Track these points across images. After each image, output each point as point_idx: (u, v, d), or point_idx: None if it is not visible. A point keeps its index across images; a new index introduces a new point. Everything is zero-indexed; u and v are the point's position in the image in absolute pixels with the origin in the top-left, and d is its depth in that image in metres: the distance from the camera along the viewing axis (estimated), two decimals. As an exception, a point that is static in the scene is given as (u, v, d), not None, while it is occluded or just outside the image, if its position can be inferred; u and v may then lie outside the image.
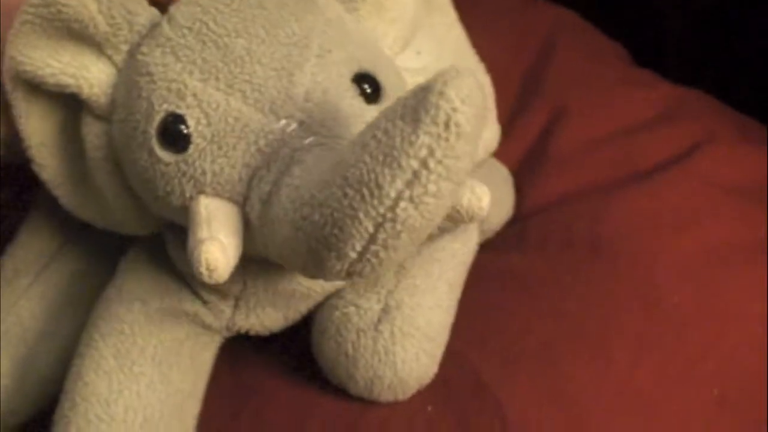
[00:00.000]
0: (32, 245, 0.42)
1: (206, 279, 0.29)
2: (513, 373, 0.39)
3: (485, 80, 0.43)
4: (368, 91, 0.33)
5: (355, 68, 0.33)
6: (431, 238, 0.40)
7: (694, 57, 0.64)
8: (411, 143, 0.25)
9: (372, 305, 0.37)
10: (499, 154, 0.49)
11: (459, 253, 0.41)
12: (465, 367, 0.39)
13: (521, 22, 0.61)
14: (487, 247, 0.45)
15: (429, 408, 0.38)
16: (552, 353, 0.39)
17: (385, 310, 0.37)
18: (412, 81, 0.37)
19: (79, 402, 0.35)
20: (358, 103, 0.32)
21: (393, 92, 0.34)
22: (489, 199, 0.30)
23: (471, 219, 0.31)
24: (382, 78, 0.33)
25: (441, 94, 0.24)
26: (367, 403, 0.38)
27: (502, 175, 0.49)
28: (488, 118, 0.43)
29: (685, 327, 0.41)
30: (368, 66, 0.33)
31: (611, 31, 0.63)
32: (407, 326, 0.37)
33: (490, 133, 0.43)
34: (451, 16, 0.42)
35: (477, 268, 0.42)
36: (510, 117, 0.55)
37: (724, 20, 0.61)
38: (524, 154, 0.53)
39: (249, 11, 0.33)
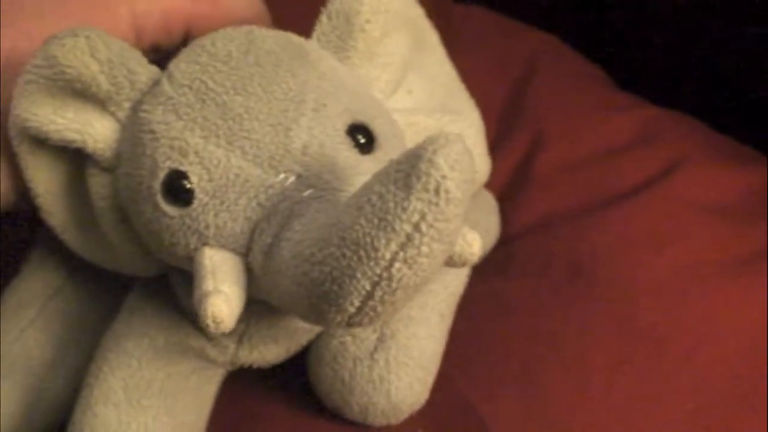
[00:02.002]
0: (37, 277, 0.43)
1: (213, 331, 0.30)
2: (496, 394, 0.41)
3: (475, 116, 0.44)
4: (362, 141, 0.34)
5: (349, 120, 0.34)
6: None
7: (676, 79, 0.66)
8: (404, 209, 0.26)
9: (368, 335, 0.39)
10: (485, 180, 0.51)
11: (451, 285, 0.42)
12: (452, 390, 0.41)
13: (503, 47, 0.63)
14: (472, 273, 0.47)
15: (419, 431, 0.40)
16: (532, 374, 0.42)
17: (381, 339, 0.39)
18: (405, 121, 0.38)
19: None
20: (354, 154, 0.34)
21: (385, 139, 0.35)
22: (480, 244, 0.31)
23: (463, 264, 0.32)
24: (375, 126, 0.35)
25: (431, 161, 0.26)
26: (361, 427, 0.39)
27: (489, 203, 0.51)
28: (481, 152, 0.44)
29: (660, 344, 0.43)
30: (361, 117, 0.35)
31: (595, 55, 0.65)
32: (402, 356, 0.38)
33: (484, 166, 0.45)
34: (440, 53, 0.44)
35: (463, 293, 0.44)
36: (493, 143, 0.56)
37: (703, 40, 0.63)
38: (507, 180, 0.55)
39: (246, 69, 0.34)
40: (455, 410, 0.40)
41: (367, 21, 0.37)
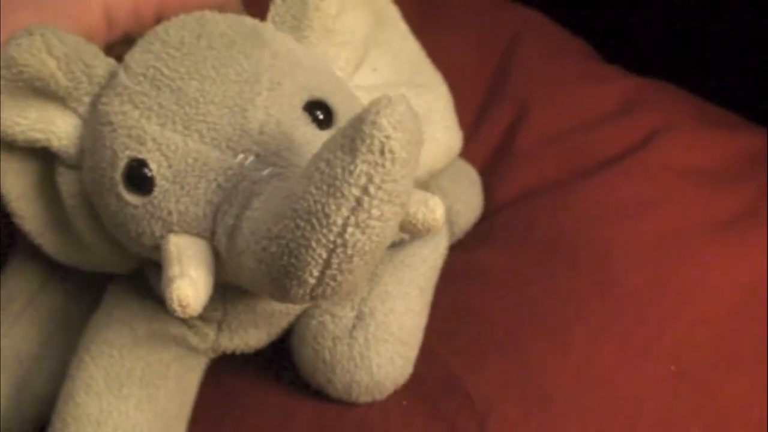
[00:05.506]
0: (24, 272, 0.43)
1: (180, 314, 0.30)
2: (480, 363, 0.41)
3: (443, 89, 0.44)
4: (320, 117, 0.34)
5: (306, 97, 0.34)
6: (402, 245, 0.43)
7: (660, 52, 0.66)
8: (351, 173, 0.26)
9: (346, 313, 0.39)
10: (468, 153, 0.51)
11: (429, 258, 0.43)
12: (435, 362, 0.41)
13: (487, 22, 0.63)
14: (455, 245, 0.47)
15: (404, 402, 0.40)
16: (515, 342, 0.42)
17: (359, 317, 0.39)
18: (369, 98, 0.38)
19: (70, 422, 0.37)
20: (311, 130, 0.34)
21: (346, 115, 0.35)
22: (443, 210, 0.32)
23: (428, 231, 0.32)
24: (334, 102, 0.35)
25: (374, 123, 0.26)
26: (346, 404, 0.40)
27: (470, 176, 0.51)
28: (450, 125, 0.44)
29: (642, 308, 0.43)
30: (319, 93, 0.34)
31: (579, 29, 0.65)
32: (381, 332, 0.39)
33: (454, 139, 0.44)
34: (402, 28, 0.43)
35: (445, 265, 0.45)
36: (477, 117, 0.57)
37: (689, 13, 0.63)
38: (491, 153, 0.55)
39: (199, 53, 0.34)
40: (439, 382, 0.41)
41: None
